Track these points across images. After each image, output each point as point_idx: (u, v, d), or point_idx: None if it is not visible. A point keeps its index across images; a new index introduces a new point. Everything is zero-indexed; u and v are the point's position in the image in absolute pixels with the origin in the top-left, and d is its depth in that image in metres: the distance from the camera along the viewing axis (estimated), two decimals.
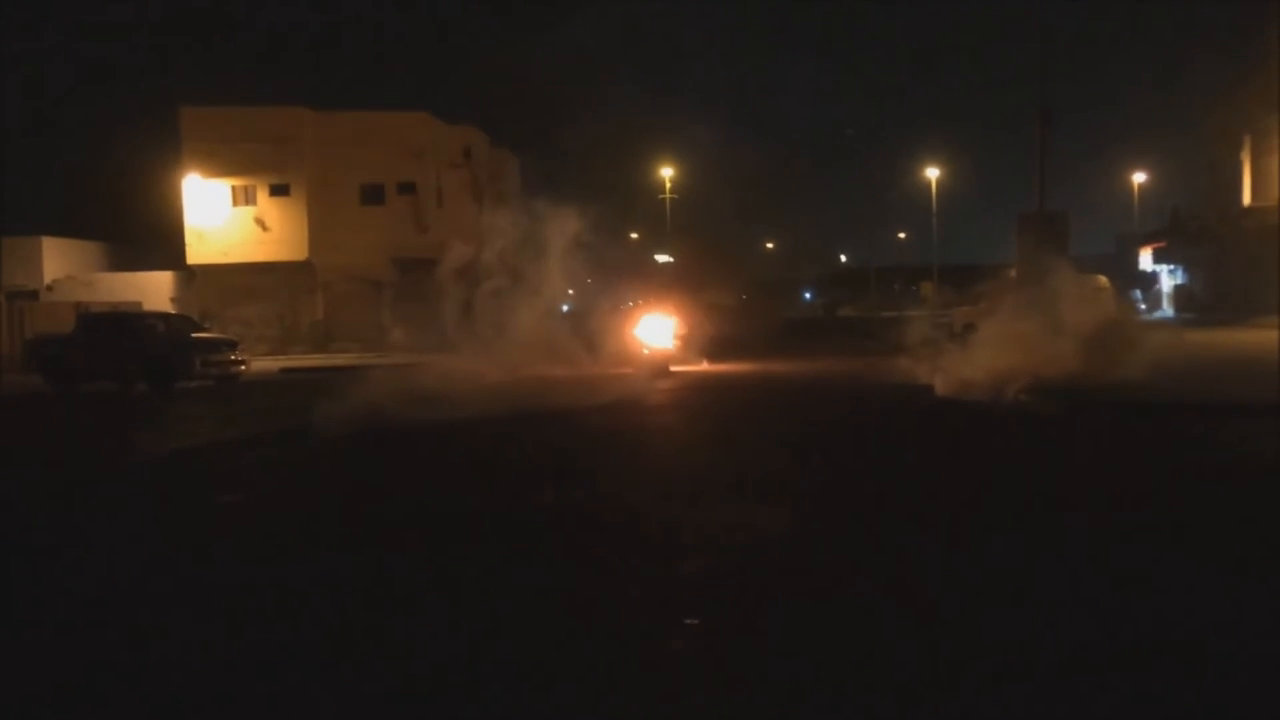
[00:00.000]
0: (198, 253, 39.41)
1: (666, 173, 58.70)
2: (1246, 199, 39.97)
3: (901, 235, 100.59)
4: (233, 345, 21.84)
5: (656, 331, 24.26)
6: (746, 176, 22.37)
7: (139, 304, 34.40)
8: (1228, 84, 38.87)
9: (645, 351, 23.46)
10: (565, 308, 33.53)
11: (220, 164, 38.55)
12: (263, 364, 28.75)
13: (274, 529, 7.95)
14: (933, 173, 68.43)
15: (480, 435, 13.13)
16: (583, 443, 12.40)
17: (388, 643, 5.11)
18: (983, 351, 18.55)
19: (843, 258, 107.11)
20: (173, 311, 30.91)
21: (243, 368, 21.56)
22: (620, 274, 25.15)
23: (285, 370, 27.53)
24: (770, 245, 71.08)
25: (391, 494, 9.30)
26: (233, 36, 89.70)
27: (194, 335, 21.28)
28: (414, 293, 40.30)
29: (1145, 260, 56.99)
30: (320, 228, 38.97)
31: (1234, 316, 33.45)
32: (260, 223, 39.08)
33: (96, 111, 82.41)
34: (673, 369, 23.26)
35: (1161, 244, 52.67)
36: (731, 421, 14.63)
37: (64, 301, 35.92)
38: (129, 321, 22.79)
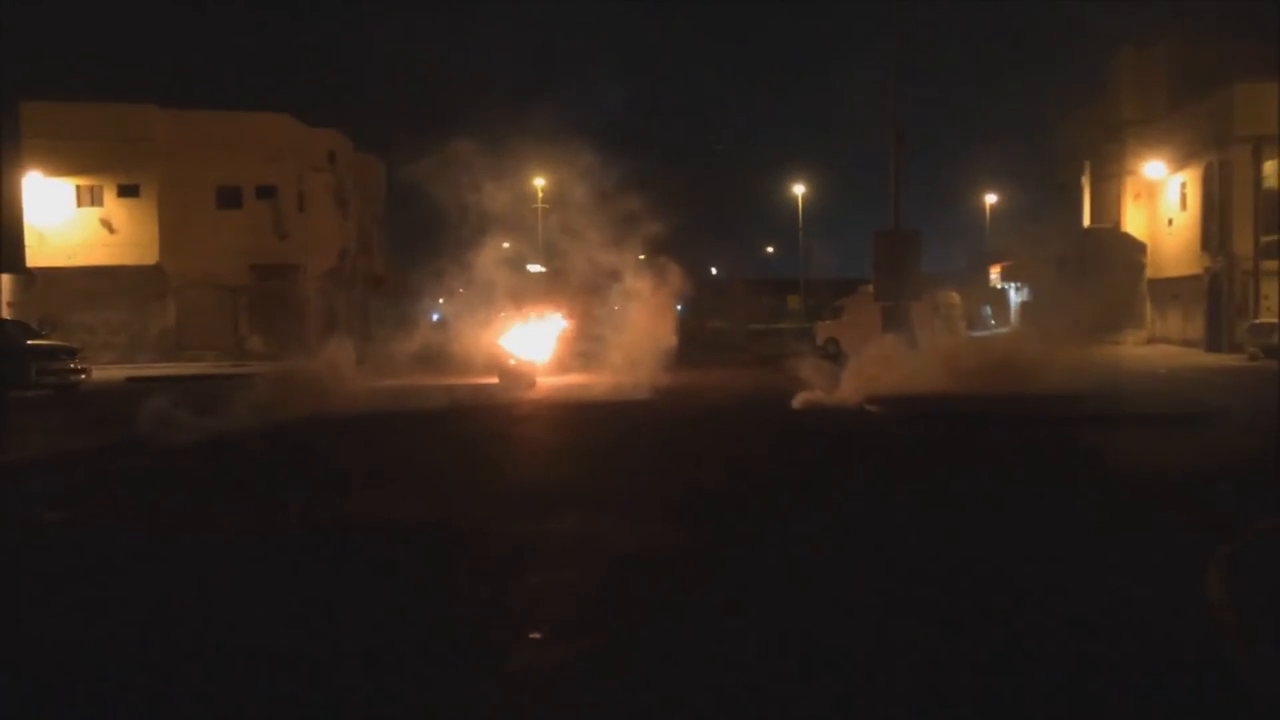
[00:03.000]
0: (38, 255, 36.98)
1: (538, 182, 58.47)
2: (1086, 220, 42.25)
3: (770, 249, 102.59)
4: (72, 353, 20.67)
5: (523, 342, 24.07)
6: (622, 188, 22.29)
7: None
8: (1071, 108, 41.01)
9: (512, 362, 23.24)
10: (435, 316, 32.99)
11: (65, 162, 36.48)
12: (108, 373, 27.38)
13: (97, 546, 7.51)
14: (799, 189, 70.11)
15: (311, 441, 12.82)
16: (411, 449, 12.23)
17: (219, 653, 4.87)
18: (843, 365, 19.10)
19: (713, 270, 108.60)
20: (6, 317, 29.09)
21: (83, 376, 20.43)
22: (491, 283, 24.80)
23: (131, 379, 26.22)
24: (641, 257, 71.38)
25: (221, 506, 8.92)
26: (81, 27, 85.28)
27: (29, 342, 20.01)
28: (273, 300, 39.07)
29: (994, 278, 59.64)
30: (172, 231, 37.29)
31: (1075, 333, 35.22)
32: (107, 224, 37.17)
33: None
34: (538, 380, 23.11)
35: (1008, 262, 55.16)
36: (581, 431, 14.60)
37: None
38: None
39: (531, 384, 22.56)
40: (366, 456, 12.20)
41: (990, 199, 69.08)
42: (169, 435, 12.76)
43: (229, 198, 38.29)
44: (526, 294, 25.22)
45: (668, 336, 21.63)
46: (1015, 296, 58.20)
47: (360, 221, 46.79)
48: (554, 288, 26.26)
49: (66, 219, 36.99)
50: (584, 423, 15.71)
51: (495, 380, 22.59)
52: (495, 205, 24.16)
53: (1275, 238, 30.85)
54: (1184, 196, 36.17)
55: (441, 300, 30.91)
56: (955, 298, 35.17)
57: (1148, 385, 19.81)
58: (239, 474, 11.15)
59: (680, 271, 23.06)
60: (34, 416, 16.93)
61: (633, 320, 22.21)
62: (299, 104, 56.48)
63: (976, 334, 39.79)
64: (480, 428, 14.96)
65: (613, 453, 12.47)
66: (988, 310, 53.88)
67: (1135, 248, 38.94)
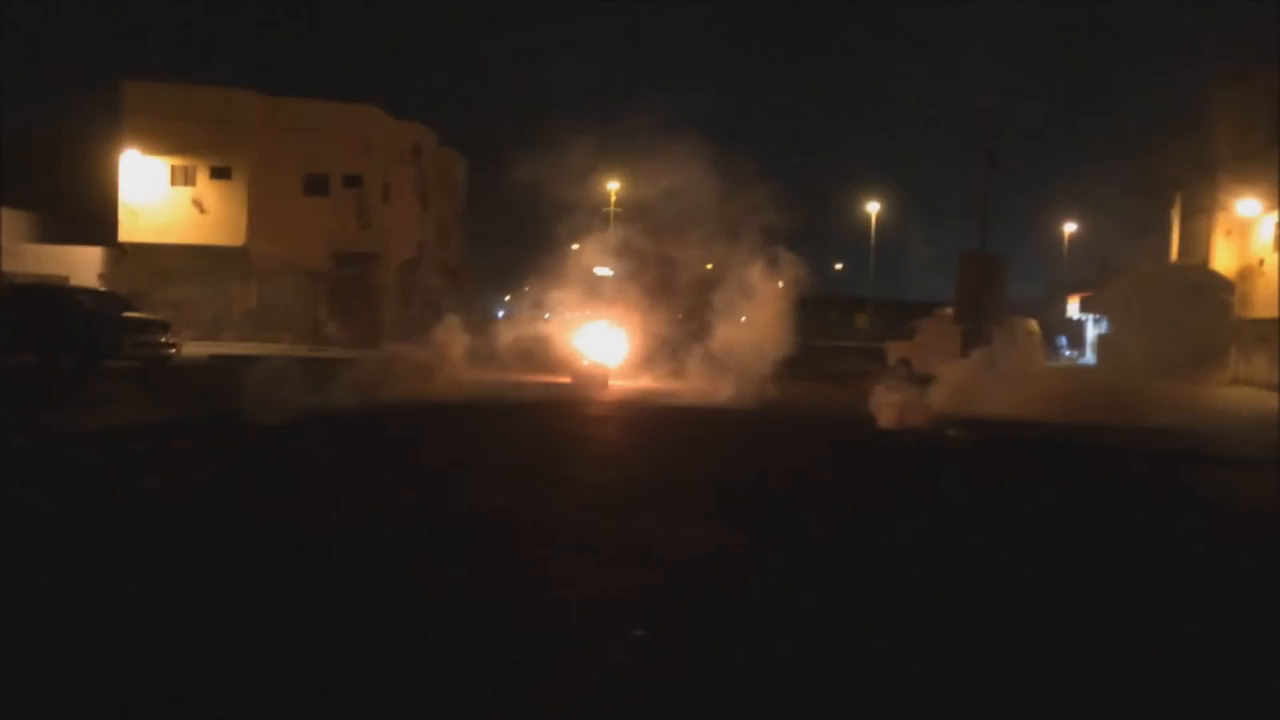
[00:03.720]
0: (130, 230, 38.34)
1: (612, 186, 58.89)
2: (1173, 255, 41.25)
3: (838, 266, 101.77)
4: (165, 327, 21.21)
5: (597, 344, 24.20)
6: (702, 195, 22.22)
7: (66, 278, 33.34)
8: (1161, 142, 40.11)
9: (584, 363, 23.37)
10: (500, 313, 33.31)
11: (161, 141, 37.61)
12: (191, 349, 28.10)
13: (184, 516, 7.72)
14: (873, 206, 69.56)
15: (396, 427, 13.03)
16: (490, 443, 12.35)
17: (313, 649, 4.98)
18: (922, 385, 18.93)
19: (779, 283, 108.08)
20: (101, 288, 30.03)
21: (173, 351, 20.97)
22: (562, 284, 24.99)
23: (214, 356, 26.87)
24: (710, 266, 71.32)
25: (312, 489, 9.10)
26: (184, 9, 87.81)
27: (124, 314, 20.59)
28: (351, 287, 39.80)
29: (1072, 308, 58.61)
30: (260, 214, 38.19)
31: (1154, 368, 34.45)
32: (198, 204, 38.21)
33: (33, 77, 79.99)
34: (611, 383, 23.21)
35: (1088, 294, 54.13)
36: (656, 438, 14.61)
37: None
38: (55, 294, 22.04)
39: (604, 386, 22.66)
40: (453, 443, 12.37)
41: (1069, 228, 67.91)
42: (271, 412, 13.03)
43: (316, 185, 39.10)
44: (601, 296, 25.33)
45: (768, 345, 21.16)
46: (1093, 329, 57.14)
47: (439, 215, 47.44)
48: (626, 291, 26.29)
49: (160, 197, 38.10)
50: (656, 425, 15.73)
51: (567, 380, 22.75)
52: (571, 207, 24.37)
53: None
54: (1278, 236, 35.15)
55: (508, 298, 31.20)
56: (1035, 325, 34.60)
57: (1238, 426, 19.26)
58: (328, 454, 11.37)
59: (796, 270, 22.60)
60: (126, 385, 17.46)
61: (725, 326, 22.03)
62: (389, 96, 57.32)
63: (1052, 364, 39.03)
64: (568, 425, 15.04)
65: (684, 457, 12.47)
66: (1063, 340, 52.89)
67: (1223, 286, 37.87)
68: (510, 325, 27.70)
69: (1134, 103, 55.38)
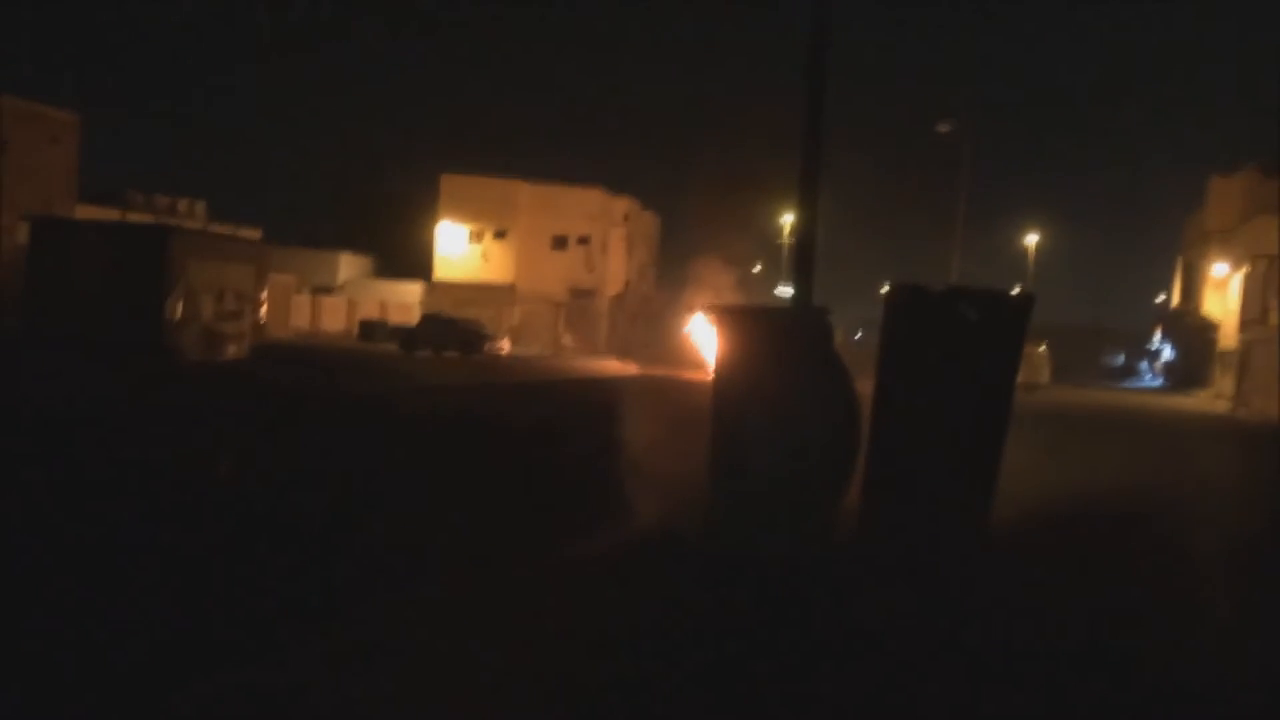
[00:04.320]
0: (440, 272, 58.50)
1: (786, 219, 75.59)
2: (1174, 301, 54.58)
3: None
4: (492, 336, 40.09)
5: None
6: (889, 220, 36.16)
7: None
8: (1182, 217, 53.70)
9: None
10: (682, 328, 50.59)
11: (462, 213, 57.52)
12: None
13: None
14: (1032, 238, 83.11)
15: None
16: None
17: None
18: None
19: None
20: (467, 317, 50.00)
21: (502, 349, 39.77)
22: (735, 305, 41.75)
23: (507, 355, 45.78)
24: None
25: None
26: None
27: (479, 330, 39.64)
28: (580, 312, 58.30)
29: (1156, 337, 70.89)
30: (523, 262, 57.50)
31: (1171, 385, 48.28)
32: (484, 256, 57.85)
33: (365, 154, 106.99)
34: None
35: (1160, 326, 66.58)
36: None
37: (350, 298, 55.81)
38: (448, 319, 41.42)
39: None
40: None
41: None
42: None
43: (559, 243, 58.09)
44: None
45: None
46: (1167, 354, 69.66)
47: (640, 259, 65.71)
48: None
49: (460, 250, 57.97)
50: None
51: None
52: (751, 237, 41.04)
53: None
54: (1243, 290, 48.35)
55: (690, 316, 48.53)
56: (1043, 347, 48.84)
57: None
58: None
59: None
60: (485, 365, 35.87)
61: None
62: (605, 171, 76.21)
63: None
64: None
65: None
66: (1120, 359, 65.68)
67: (1209, 326, 51.08)
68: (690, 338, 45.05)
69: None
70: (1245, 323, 46.35)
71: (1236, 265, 48.34)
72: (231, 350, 23.60)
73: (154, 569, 6.18)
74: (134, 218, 43.97)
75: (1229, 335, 50.42)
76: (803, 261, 8.38)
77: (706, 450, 7.97)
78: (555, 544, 7.54)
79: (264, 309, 25.25)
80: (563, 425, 15.35)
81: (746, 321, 8.11)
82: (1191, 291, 53.29)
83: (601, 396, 18.17)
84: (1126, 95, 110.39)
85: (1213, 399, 49.02)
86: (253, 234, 48.47)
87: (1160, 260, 56.51)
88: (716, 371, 8.18)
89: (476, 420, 15.73)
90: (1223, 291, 50.83)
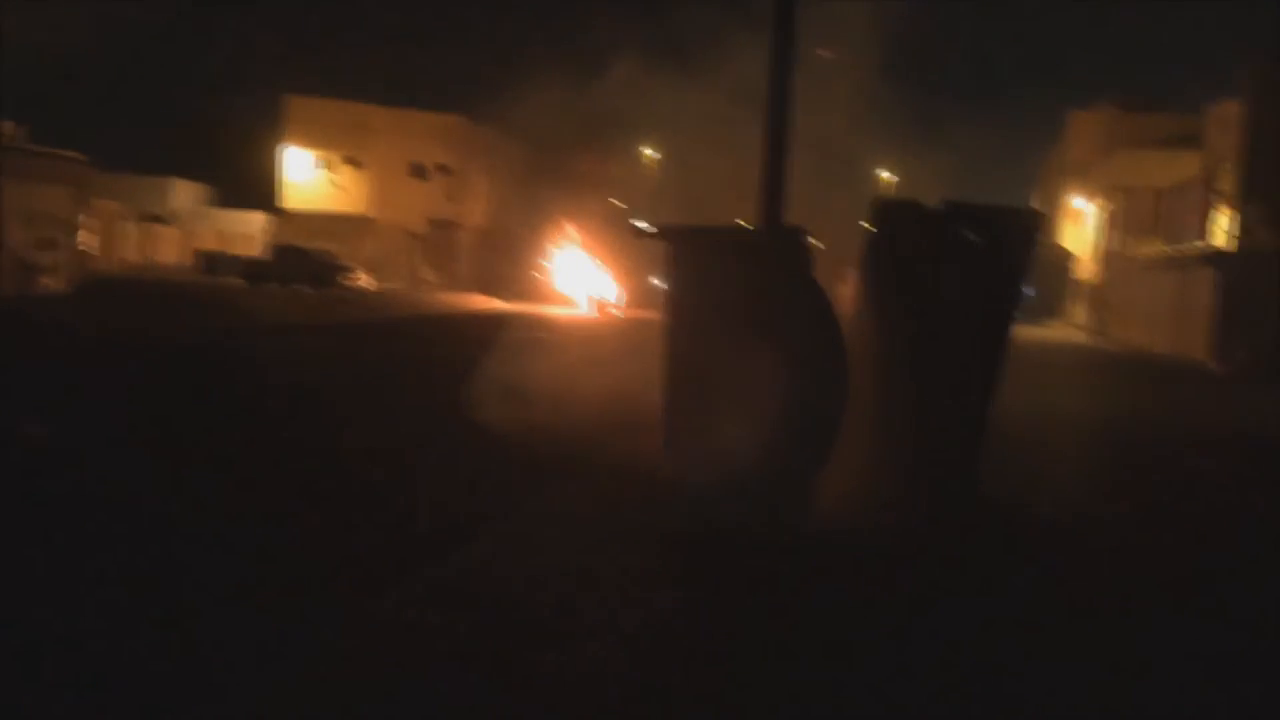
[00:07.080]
0: (288, 201, 54.54)
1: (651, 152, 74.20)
2: None
3: None
4: (350, 269, 37.22)
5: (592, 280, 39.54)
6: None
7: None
8: (1041, 148, 54.47)
9: (589, 295, 38.78)
10: (546, 262, 48.72)
11: (310, 138, 53.54)
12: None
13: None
14: None
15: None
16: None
17: None
18: None
19: None
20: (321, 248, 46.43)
21: (359, 282, 36.99)
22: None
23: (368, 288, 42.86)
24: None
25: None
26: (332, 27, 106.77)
27: (334, 262, 36.67)
28: (439, 244, 55.44)
29: None
30: (378, 191, 54.13)
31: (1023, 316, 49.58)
32: (335, 184, 54.15)
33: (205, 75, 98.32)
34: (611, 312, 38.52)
35: None
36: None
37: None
38: (301, 251, 38.21)
39: (602, 314, 37.94)
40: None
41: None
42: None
43: (417, 171, 54.85)
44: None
45: None
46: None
47: (503, 191, 63.02)
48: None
49: (309, 178, 54.09)
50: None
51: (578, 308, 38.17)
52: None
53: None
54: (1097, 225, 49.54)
55: (550, 248, 46.62)
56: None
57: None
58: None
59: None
60: (336, 298, 33.24)
61: None
62: (470, 103, 72.72)
63: None
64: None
65: None
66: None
67: (1066, 256, 52.32)
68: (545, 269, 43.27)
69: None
70: (1106, 255, 47.53)
71: (1093, 198, 49.42)
72: (46, 283, 20.59)
73: None
74: None
75: (1083, 268, 51.80)
76: (774, 174, 6.82)
77: (663, 400, 6.46)
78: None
79: (86, 237, 22.20)
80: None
81: (709, 244, 6.58)
82: (1048, 224, 54.41)
83: (492, 344, 16.21)
84: (987, 37, 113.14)
85: (1068, 329, 50.28)
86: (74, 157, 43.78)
87: (1016, 193, 57.49)
88: (670, 306, 6.64)
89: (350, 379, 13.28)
90: (1079, 224, 52.03)
